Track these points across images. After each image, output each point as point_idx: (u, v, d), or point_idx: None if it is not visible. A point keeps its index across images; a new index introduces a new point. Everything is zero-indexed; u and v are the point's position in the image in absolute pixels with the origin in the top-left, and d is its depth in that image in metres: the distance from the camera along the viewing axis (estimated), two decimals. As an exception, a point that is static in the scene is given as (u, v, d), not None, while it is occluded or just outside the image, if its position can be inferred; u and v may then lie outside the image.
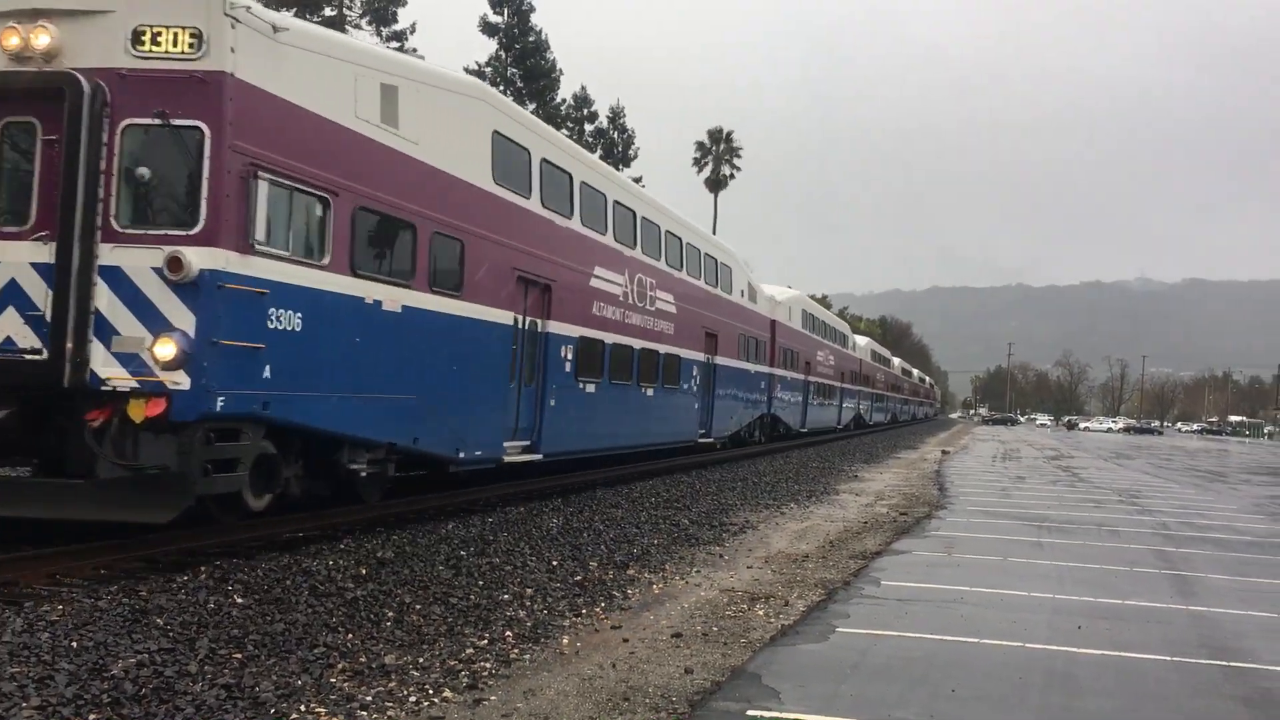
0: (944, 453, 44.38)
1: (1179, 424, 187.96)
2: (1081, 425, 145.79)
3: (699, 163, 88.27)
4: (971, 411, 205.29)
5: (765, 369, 35.61)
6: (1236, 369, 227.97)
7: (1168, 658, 8.73)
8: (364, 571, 10.06)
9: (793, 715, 6.66)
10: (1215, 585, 12.72)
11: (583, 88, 68.04)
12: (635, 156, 70.13)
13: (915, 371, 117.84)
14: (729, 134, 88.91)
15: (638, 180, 66.75)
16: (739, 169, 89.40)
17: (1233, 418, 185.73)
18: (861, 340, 69.54)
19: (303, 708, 6.34)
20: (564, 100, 65.93)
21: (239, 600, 8.57)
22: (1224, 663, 8.63)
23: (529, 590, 10.08)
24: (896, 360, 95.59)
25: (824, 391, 47.98)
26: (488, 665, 7.51)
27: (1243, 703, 7.46)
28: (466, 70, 61.39)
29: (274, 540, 11.21)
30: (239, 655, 7.20)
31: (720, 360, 29.30)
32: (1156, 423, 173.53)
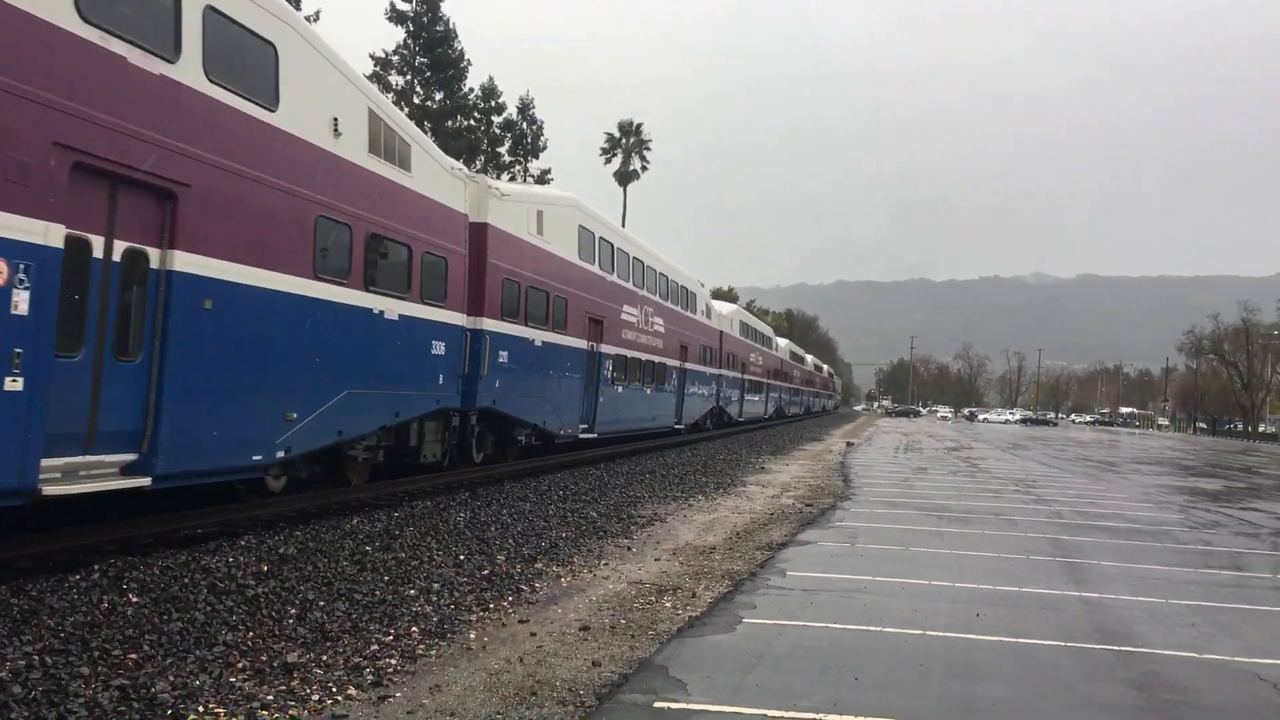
0: (848, 444, 45.13)
1: (1073, 415, 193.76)
2: (980, 417, 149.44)
3: (608, 155, 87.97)
4: (875, 404, 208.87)
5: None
6: (1127, 362, 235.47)
7: (1062, 643, 8.99)
8: (265, 568, 9.85)
9: (699, 706, 6.70)
10: (1107, 572, 13.14)
11: (490, 78, 67.28)
12: (545, 148, 69.63)
13: (824, 366, 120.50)
14: (638, 126, 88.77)
15: (546, 173, 66.61)
16: (648, 162, 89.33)
17: (1124, 409, 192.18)
18: (782, 342, 75.99)
19: (201, 708, 6.18)
20: (472, 90, 65.21)
21: (134, 599, 8.33)
22: (1115, 647, 8.92)
23: (435, 585, 9.98)
24: (809, 357, 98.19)
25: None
26: (393, 662, 7.42)
27: (1133, 686, 7.72)
28: (373, 58, 60.41)
29: (171, 538, 10.93)
30: (134, 655, 7.00)
31: (689, 365, 37.82)
32: (1052, 414, 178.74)
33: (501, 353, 19.56)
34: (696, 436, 39.83)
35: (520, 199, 20.94)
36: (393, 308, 15.05)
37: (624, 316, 28.63)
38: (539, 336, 21.57)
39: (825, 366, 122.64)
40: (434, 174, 16.61)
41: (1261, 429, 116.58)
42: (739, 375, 51.10)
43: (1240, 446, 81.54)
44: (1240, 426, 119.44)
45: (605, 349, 26.55)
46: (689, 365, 37.81)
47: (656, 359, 32.36)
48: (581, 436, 25.00)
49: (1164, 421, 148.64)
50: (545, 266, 21.94)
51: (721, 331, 45.31)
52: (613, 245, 27.35)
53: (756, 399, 58.65)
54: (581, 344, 24.57)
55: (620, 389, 28.21)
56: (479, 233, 18.57)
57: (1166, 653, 8.80)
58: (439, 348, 16.78)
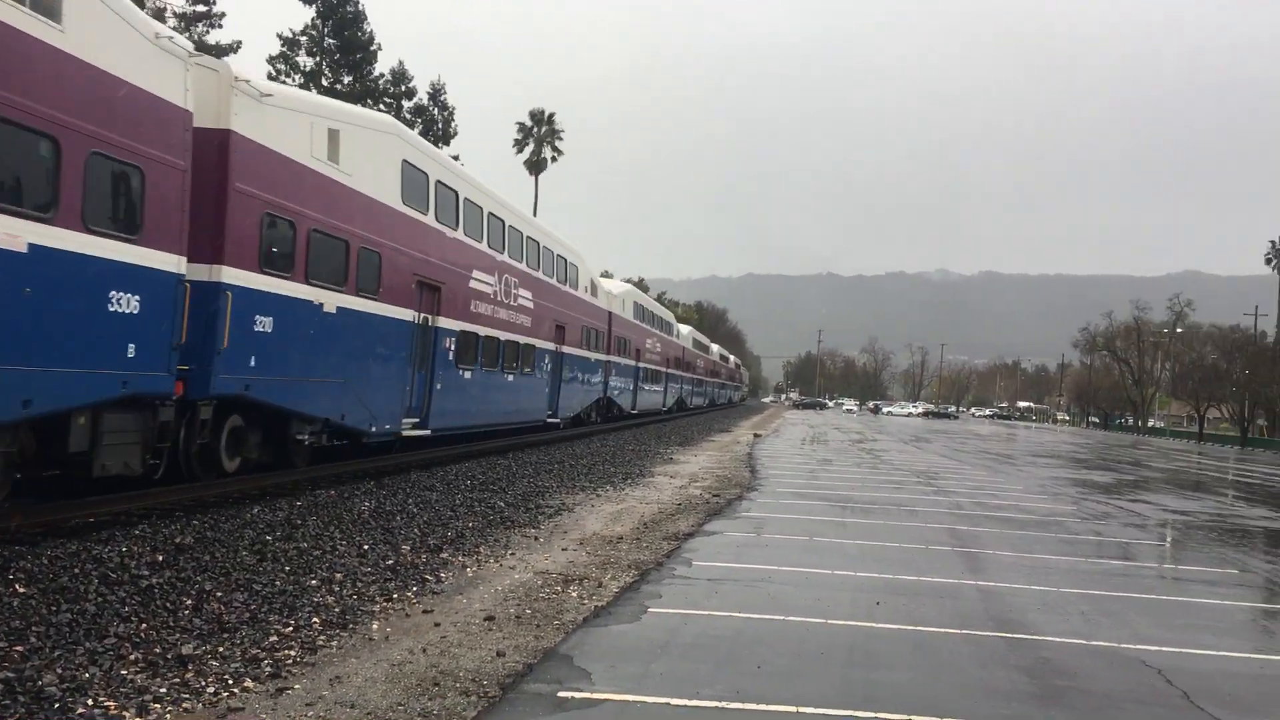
0: (756, 436, 45.61)
1: (973, 409, 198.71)
2: (885, 410, 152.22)
3: (520, 144, 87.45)
4: (783, 396, 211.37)
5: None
6: (1025, 358, 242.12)
7: (959, 631, 9.21)
8: (161, 558, 9.59)
9: (603, 695, 6.71)
10: (1002, 561, 13.49)
11: (400, 63, 66.45)
12: (455, 134, 69.03)
13: (731, 357, 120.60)
14: (550, 115, 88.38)
15: (456, 159, 65.83)
16: (561, 151, 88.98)
17: (1021, 403, 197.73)
18: (684, 329, 73.07)
19: (90, 701, 6.00)
20: (382, 74, 64.30)
21: (21, 590, 8.04)
22: (1008, 634, 9.17)
23: (338, 575, 9.83)
24: (715, 346, 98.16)
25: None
26: (292, 653, 7.29)
27: (1025, 672, 7.94)
28: (280, 38, 59.17)
29: (61, 527, 10.57)
30: (20, 648, 6.75)
31: (567, 349, 33.39)
32: (953, 408, 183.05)
33: (260, 318, 14.23)
34: (605, 427, 39.68)
35: (298, 107, 15.58)
36: (18, 234, 9.82)
37: (475, 285, 23.44)
38: (332, 300, 16.12)
39: (732, 357, 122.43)
40: (114, 34, 11.23)
41: (1150, 423, 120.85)
42: (632, 362, 46.76)
43: (1130, 440, 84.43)
44: (1131, 421, 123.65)
45: (445, 324, 21.35)
46: (568, 349, 33.24)
47: (523, 339, 27.54)
48: (408, 434, 19.92)
49: (1064, 416, 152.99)
50: (345, 206, 16.54)
51: (611, 313, 41.29)
52: (457, 194, 22.11)
53: (654, 389, 54.49)
54: (406, 315, 19.24)
55: (468, 374, 23.15)
56: (217, 142, 13.29)
57: (1057, 639, 9.07)
58: (126, 303, 11.41)
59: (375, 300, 17.69)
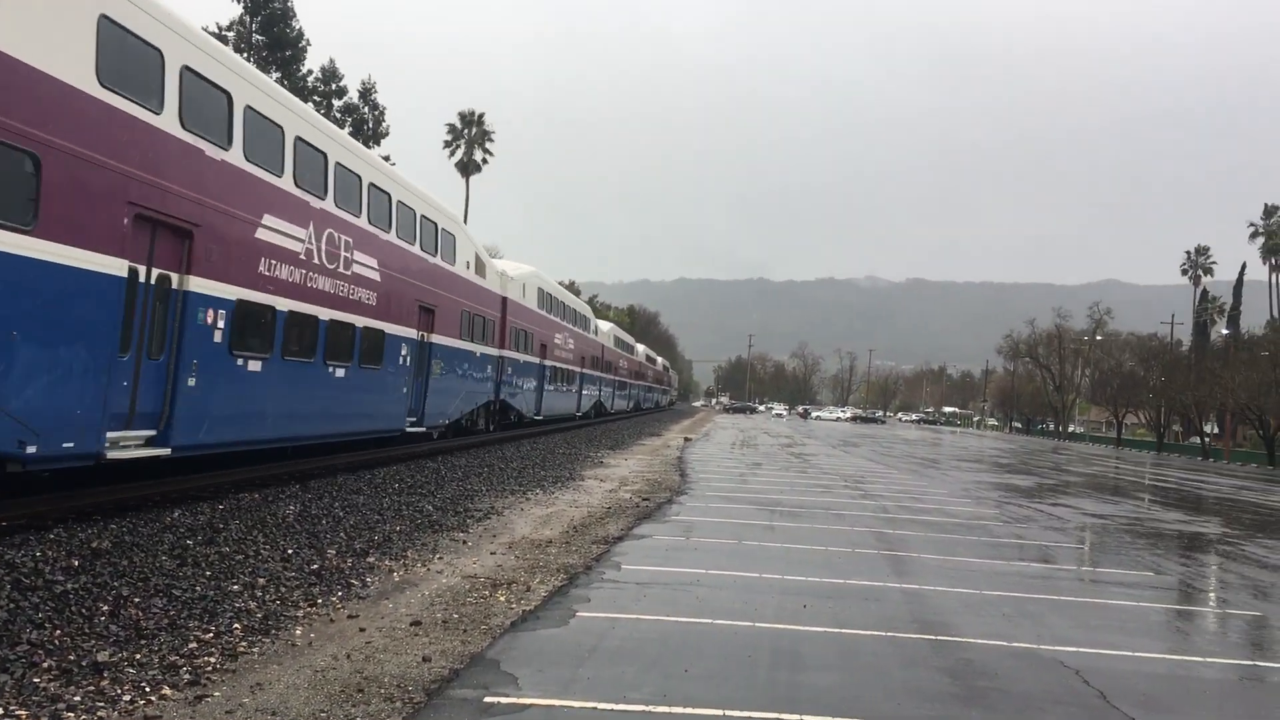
0: (686, 439, 45.75)
1: (900, 414, 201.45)
2: (814, 414, 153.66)
3: (450, 146, 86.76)
4: (714, 400, 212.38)
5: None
6: (951, 363, 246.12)
7: (883, 633, 9.33)
8: (76, 563, 9.35)
9: (530, 701, 6.69)
10: (926, 564, 13.69)
11: (331, 60, 65.65)
12: (387, 134, 68.33)
13: (659, 359, 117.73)
14: (480, 116, 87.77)
15: (387, 158, 65.15)
16: (491, 154, 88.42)
17: (946, 408, 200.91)
18: (605, 325, 66.48)
19: (1, 710, 5.83)
20: (310, 72, 63.45)
21: (-73, 597, 7.79)
22: (932, 636, 9.30)
23: (261, 580, 9.66)
24: (641, 347, 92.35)
25: (562, 377, 45.44)
26: (212, 660, 7.15)
27: (947, 673, 8.06)
28: (206, 31, 58.18)
29: (-29, 530, 10.24)
30: (-75, 657, 6.54)
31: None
32: (880, 412, 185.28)
33: (509, 368, 13.10)
34: (534, 430, 38.81)
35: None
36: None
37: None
38: (522, 358, 16.27)
39: (660, 359, 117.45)
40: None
41: (1071, 429, 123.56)
42: (535, 360, 39.40)
43: (1051, 445, 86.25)
44: (1052, 426, 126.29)
45: (548, 363, 20.31)
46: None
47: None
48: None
49: (993, 422, 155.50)
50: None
51: (506, 298, 33.80)
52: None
53: (566, 391, 46.39)
54: (537, 360, 18.43)
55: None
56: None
57: (979, 641, 9.23)
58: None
59: (50, 241, 10.86)
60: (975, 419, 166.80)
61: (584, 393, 52.04)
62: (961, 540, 16.50)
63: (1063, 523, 20.36)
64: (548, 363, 41.71)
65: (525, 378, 37.82)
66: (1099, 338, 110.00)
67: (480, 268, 30.33)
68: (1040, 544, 16.84)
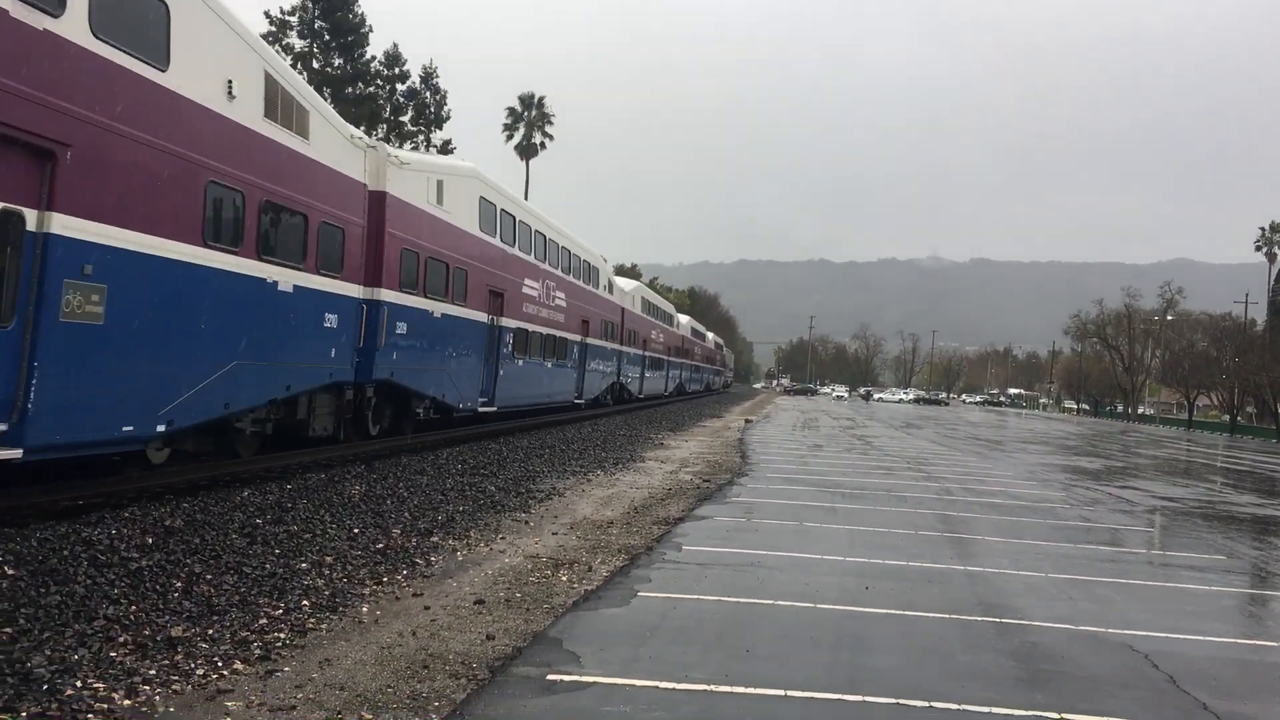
0: (747, 421, 45.68)
1: (964, 396, 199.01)
2: (876, 396, 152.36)
3: (510, 129, 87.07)
4: (774, 382, 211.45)
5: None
6: (1016, 345, 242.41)
7: (947, 615, 9.25)
8: (150, 541, 9.59)
9: (592, 679, 6.74)
10: (991, 546, 13.55)
11: (395, 45, 66.14)
12: (448, 118, 68.68)
13: (721, 344, 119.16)
14: (540, 100, 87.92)
15: (448, 143, 65.65)
16: (551, 136, 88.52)
17: (1012, 390, 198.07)
18: (684, 318, 75.80)
19: (79, 683, 6.00)
20: (374, 57, 63.97)
21: (9, 571, 8.02)
22: (996, 619, 9.21)
23: (328, 558, 9.84)
24: (684, 318, 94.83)
25: (656, 364, 58.58)
26: (282, 635, 7.30)
27: (1011, 656, 7.98)
28: (269, 17, 58.79)
29: (50, 509, 10.55)
30: (9, 629, 6.75)
31: (591, 340, 37.76)
32: (943, 394, 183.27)
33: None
34: (597, 412, 39.87)
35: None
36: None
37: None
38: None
39: (710, 335, 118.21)
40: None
41: (1140, 411, 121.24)
42: (640, 352, 51.55)
43: (1120, 427, 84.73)
44: (1121, 408, 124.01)
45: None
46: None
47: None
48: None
49: (1069, 404, 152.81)
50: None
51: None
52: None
53: (657, 375, 59.32)
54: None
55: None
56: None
57: (1045, 624, 9.12)
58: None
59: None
60: (1041, 401, 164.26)
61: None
62: (1027, 523, 16.29)
63: (1131, 505, 20.02)
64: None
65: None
66: (1170, 317, 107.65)
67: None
68: (1108, 527, 16.58)
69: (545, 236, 30.70)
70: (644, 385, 53.82)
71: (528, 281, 28.39)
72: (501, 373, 25.88)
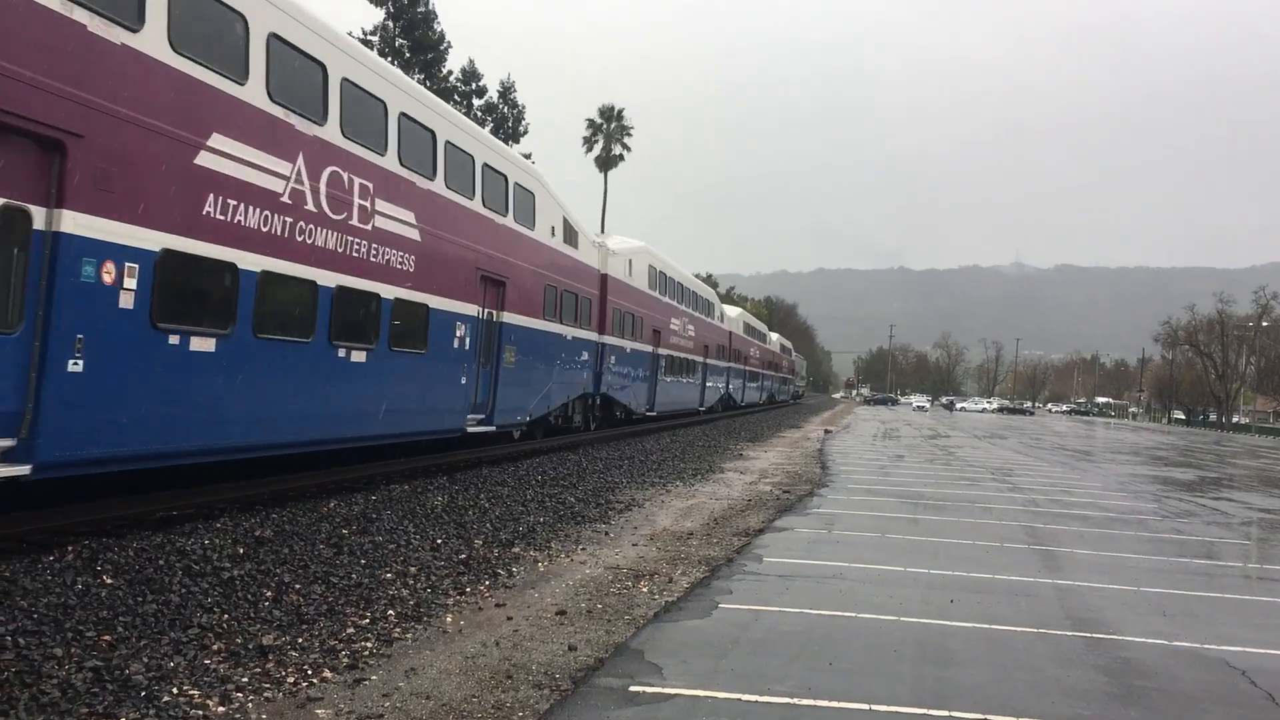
0: (826, 432, 45.30)
1: (1049, 405, 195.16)
2: (958, 405, 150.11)
3: (589, 141, 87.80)
4: (854, 391, 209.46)
5: (726, 364, 52.22)
6: (1103, 352, 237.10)
7: (1034, 629, 9.07)
8: (241, 551, 9.82)
9: (674, 690, 6.74)
10: (1079, 560, 13.25)
11: (471, 61, 67.01)
12: (525, 132, 69.40)
13: (774, 337, 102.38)
14: (620, 111, 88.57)
15: (528, 156, 66.10)
16: (629, 148, 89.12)
17: (1099, 399, 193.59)
18: (732, 311, 60.79)
19: (175, 690, 6.17)
20: (451, 72, 64.92)
21: (109, 580, 8.28)
22: (1086, 634, 9.01)
23: (412, 569, 9.98)
24: (774, 335, 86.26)
25: (754, 377, 63.40)
26: (369, 645, 7.42)
27: (1103, 672, 7.80)
28: (350, 36, 59.98)
29: (146, 519, 10.86)
30: (108, 637, 6.97)
31: (709, 360, 44.76)
32: (1028, 403, 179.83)
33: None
34: (675, 423, 39.92)
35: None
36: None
37: (672, 326, 38.66)
38: (629, 345, 31.69)
39: (774, 336, 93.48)
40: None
41: (1235, 419, 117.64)
42: (743, 367, 61.06)
43: (1214, 437, 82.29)
44: (1214, 417, 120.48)
45: (661, 352, 36.72)
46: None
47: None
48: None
49: (1139, 411, 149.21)
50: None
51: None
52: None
53: (754, 387, 68.41)
54: (648, 349, 34.76)
55: (669, 380, 38.81)
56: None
57: (1137, 640, 8.89)
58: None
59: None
60: (1131, 410, 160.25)
61: (707, 384, 48.40)
62: (1117, 535, 15.91)
63: (1227, 517, 19.44)
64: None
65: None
66: (1265, 323, 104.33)
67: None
68: (1203, 539, 16.12)
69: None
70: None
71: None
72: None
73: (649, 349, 35.47)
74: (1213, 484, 28.30)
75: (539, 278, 22.62)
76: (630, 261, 32.22)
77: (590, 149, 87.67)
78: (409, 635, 7.79)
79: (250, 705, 6.09)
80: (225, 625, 7.55)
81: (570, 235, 25.43)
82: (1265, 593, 11.79)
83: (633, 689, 6.74)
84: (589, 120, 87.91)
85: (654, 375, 36.54)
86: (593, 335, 27.83)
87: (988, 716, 6.53)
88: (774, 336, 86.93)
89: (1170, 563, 13.55)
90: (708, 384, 51.32)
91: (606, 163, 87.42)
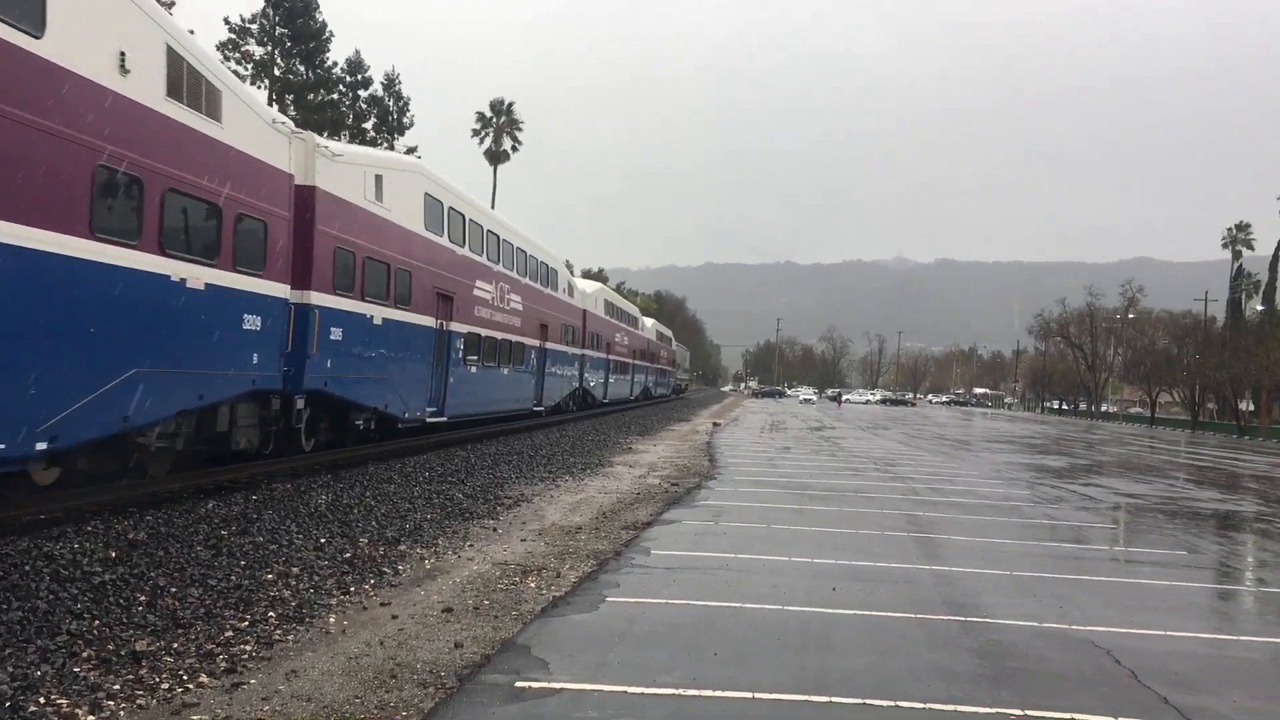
0: (715, 425, 45.79)
1: (930, 396, 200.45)
2: (844, 397, 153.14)
3: (479, 134, 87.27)
4: (742, 384, 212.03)
5: (578, 350, 43.17)
6: (981, 344, 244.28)
7: (913, 615, 9.33)
8: (114, 554, 9.50)
9: (560, 685, 6.74)
10: (957, 546, 13.66)
11: (356, 52, 65.84)
12: (411, 125, 68.57)
13: (673, 337, 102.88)
14: (510, 106, 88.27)
15: (413, 149, 65.44)
16: (520, 143, 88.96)
17: (977, 390, 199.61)
18: (648, 321, 74.48)
19: (42, 699, 5.95)
20: (335, 63, 63.67)
21: (-31, 589, 7.94)
22: (961, 618, 9.29)
23: (294, 569, 9.79)
24: (650, 321, 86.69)
25: (621, 368, 57.03)
26: (248, 648, 7.26)
27: (976, 654, 8.06)
28: (229, 24, 58.35)
29: (11, 524, 10.42)
30: (-31, 648, 6.68)
31: (550, 345, 36.11)
32: (910, 394, 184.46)
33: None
34: (564, 418, 39.73)
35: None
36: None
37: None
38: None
39: (670, 337, 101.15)
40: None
41: (1104, 408, 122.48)
42: (604, 355, 50.31)
43: (1085, 425, 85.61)
44: (1085, 406, 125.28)
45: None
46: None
47: (514, 338, 30.68)
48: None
49: (1014, 402, 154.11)
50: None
51: (585, 310, 44.63)
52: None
53: (622, 380, 57.95)
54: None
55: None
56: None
57: (1009, 622, 9.21)
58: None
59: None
60: (1007, 400, 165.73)
61: (635, 380, 62.30)
62: (992, 521, 16.44)
63: (1095, 503, 20.24)
64: (611, 357, 52.59)
65: (597, 370, 48.52)
66: (1132, 316, 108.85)
67: (570, 290, 41.19)
68: (1072, 524, 16.77)
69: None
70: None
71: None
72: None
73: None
74: (1082, 471, 29.44)
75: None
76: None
77: (481, 142, 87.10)
78: (290, 637, 7.64)
79: (123, 713, 5.90)
80: (96, 631, 7.30)
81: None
82: (1129, 575, 12.32)
83: (519, 685, 6.73)
84: (479, 114, 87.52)
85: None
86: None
87: (867, 701, 6.69)
88: (649, 322, 78.06)
89: (1041, 547, 14.07)
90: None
91: (496, 156, 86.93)
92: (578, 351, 42.88)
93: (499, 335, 28.73)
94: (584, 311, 44.34)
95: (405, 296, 20.86)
